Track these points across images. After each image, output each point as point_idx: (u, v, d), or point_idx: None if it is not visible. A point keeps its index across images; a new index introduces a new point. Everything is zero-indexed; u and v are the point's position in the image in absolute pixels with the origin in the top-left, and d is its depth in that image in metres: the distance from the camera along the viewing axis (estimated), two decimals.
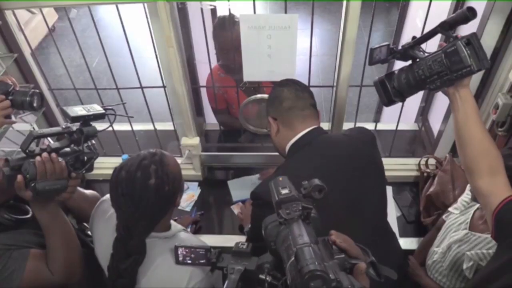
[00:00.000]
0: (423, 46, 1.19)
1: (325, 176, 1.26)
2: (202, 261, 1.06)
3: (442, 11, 2.04)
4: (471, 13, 1.03)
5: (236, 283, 0.93)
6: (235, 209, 1.95)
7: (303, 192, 0.84)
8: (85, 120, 1.25)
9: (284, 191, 0.83)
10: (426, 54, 1.15)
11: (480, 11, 1.56)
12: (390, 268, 1.39)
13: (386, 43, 1.21)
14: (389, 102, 1.25)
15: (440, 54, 1.07)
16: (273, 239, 0.86)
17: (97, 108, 1.29)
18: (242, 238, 1.56)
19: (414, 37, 1.17)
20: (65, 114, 1.24)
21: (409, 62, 1.21)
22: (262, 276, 0.92)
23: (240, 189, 2.04)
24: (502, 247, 0.98)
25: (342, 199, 1.24)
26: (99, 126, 1.31)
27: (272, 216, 0.87)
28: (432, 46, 1.20)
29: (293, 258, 0.72)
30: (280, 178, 0.88)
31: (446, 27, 1.08)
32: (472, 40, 1.02)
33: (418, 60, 1.16)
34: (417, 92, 1.22)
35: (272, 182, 0.88)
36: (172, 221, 1.31)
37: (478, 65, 1.02)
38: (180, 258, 1.07)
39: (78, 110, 1.25)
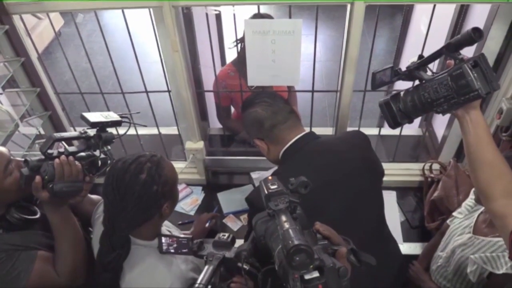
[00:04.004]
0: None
1: (318, 181, 1.28)
2: (184, 250, 1.11)
3: (446, 16, 2.05)
4: (476, 34, 0.95)
5: (214, 270, 0.99)
6: (228, 222, 1.95)
7: (290, 187, 0.89)
8: (103, 126, 1.30)
9: (273, 187, 0.89)
10: (432, 75, 1.09)
11: (484, 16, 1.57)
12: (389, 272, 1.39)
13: (390, 65, 1.16)
14: (396, 125, 1.19)
15: (446, 77, 1.01)
16: (262, 234, 0.90)
17: (113, 116, 1.34)
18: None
19: (421, 56, 1.11)
20: (84, 120, 1.28)
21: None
22: (240, 264, 0.97)
23: (230, 201, 2.04)
24: None
25: (336, 203, 1.25)
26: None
27: (261, 213, 0.93)
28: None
29: (280, 246, 0.75)
30: (270, 177, 0.93)
31: (452, 49, 1.02)
32: (480, 62, 0.96)
33: (424, 81, 1.09)
34: (424, 114, 1.17)
35: (262, 181, 0.93)
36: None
37: (486, 88, 0.96)
38: (164, 247, 1.11)
39: (97, 117, 1.29)
